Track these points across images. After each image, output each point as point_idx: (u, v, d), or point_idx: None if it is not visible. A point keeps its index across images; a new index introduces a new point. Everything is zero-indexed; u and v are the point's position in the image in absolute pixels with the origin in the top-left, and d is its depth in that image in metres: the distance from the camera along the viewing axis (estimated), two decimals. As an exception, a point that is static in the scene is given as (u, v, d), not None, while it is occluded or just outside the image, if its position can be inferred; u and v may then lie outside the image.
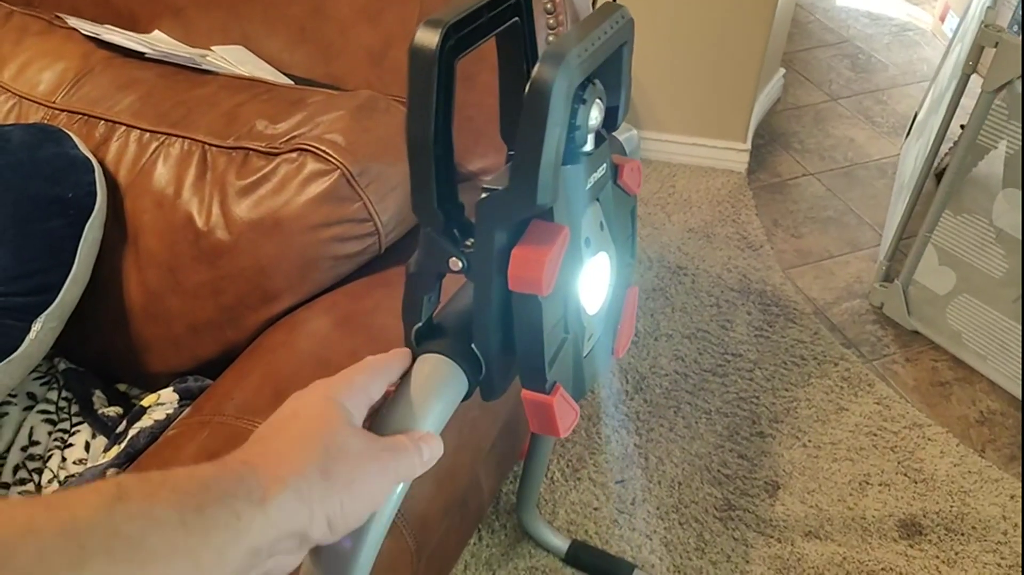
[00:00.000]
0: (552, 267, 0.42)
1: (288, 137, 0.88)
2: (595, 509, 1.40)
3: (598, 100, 0.44)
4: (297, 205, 0.85)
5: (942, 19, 2.92)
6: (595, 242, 0.48)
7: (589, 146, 0.45)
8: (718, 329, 1.74)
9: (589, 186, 0.46)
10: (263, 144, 0.89)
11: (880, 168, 2.23)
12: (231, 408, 0.75)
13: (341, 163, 0.85)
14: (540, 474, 1.29)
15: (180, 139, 0.92)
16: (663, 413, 1.56)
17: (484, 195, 0.42)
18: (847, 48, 2.76)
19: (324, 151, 0.86)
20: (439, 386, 0.47)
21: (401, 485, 0.45)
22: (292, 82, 1.08)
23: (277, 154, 0.87)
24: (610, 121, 0.48)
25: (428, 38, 0.40)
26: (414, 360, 0.48)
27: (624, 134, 0.74)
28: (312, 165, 0.85)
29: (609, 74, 0.46)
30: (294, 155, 0.87)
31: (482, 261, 0.44)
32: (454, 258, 0.44)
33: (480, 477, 1.09)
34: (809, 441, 1.52)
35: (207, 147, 0.91)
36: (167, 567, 0.33)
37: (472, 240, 0.44)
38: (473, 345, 0.47)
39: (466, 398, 0.49)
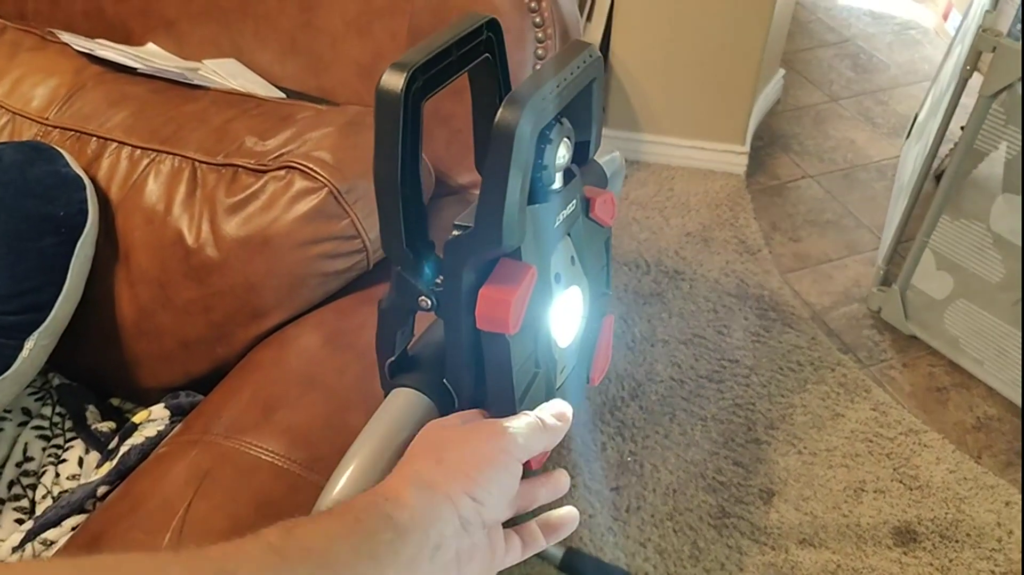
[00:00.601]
0: (519, 307, 0.42)
1: (277, 154, 0.89)
2: (590, 516, 1.40)
3: (566, 139, 0.44)
4: (286, 223, 0.86)
5: (945, 17, 2.91)
6: (565, 277, 0.48)
7: (558, 184, 0.46)
8: (715, 335, 1.74)
9: (559, 223, 0.46)
10: (252, 161, 0.89)
11: (880, 170, 2.23)
12: (220, 427, 0.76)
13: (329, 181, 0.85)
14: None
15: (171, 156, 0.93)
16: (658, 420, 1.57)
17: (452, 235, 0.42)
18: (848, 48, 2.75)
19: (312, 169, 0.86)
20: (410, 420, 0.47)
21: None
22: (283, 95, 1.09)
23: (266, 171, 0.88)
24: (580, 156, 0.48)
25: (393, 81, 0.41)
26: (387, 394, 0.49)
27: (605, 156, 0.74)
28: (300, 183, 0.86)
29: (578, 111, 0.46)
30: (282, 172, 0.87)
31: (451, 300, 0.44)
32: (423, 296, 0.45)
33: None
34: (804, 448, 1.52)
35: (197, 164, 0.92)
36: None
37: (442, 278, 0.44)
38: (445, 379, 0.47)
39: (440, 430, 0.49)
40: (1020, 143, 1.45)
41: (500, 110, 0.39)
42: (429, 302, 0.45)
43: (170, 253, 0.90)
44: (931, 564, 1.33)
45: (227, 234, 0.88)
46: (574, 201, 0.48)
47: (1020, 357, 1.56)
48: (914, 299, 1.72)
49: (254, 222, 0.87)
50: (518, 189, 0.40)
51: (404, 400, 0.48)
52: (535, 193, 0.44)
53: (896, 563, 1.34)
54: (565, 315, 0.49)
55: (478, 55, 0.47)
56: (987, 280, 1.56)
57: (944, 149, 1.87)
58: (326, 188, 0.85)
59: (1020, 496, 1.44)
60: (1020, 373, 1.58)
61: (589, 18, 2.35)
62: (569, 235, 0.48)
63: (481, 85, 0.49)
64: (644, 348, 1.70)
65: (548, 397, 0.49)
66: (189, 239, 0.89)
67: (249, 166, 0.89)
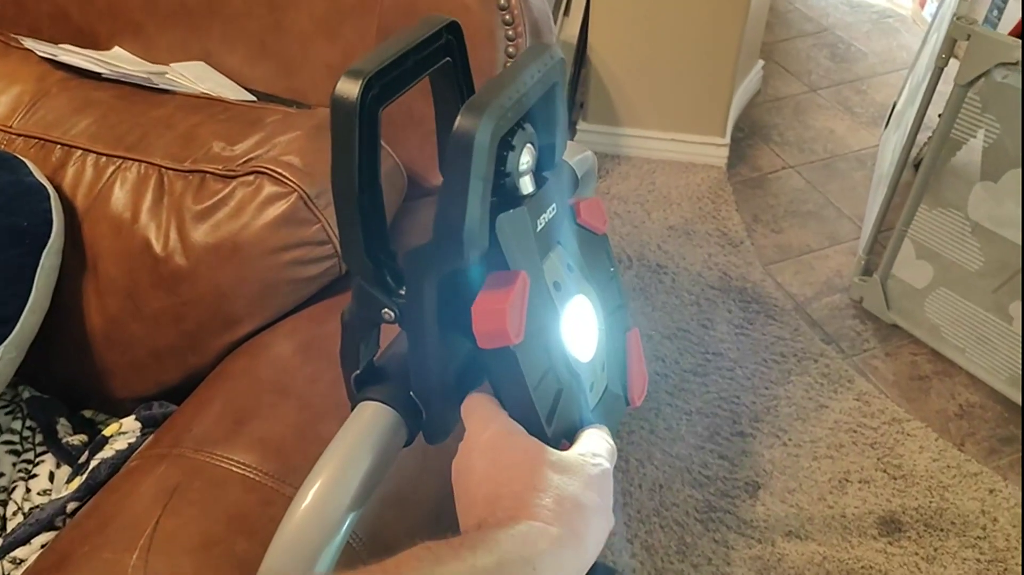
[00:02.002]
0: (516, 313, 0.40)
1: (245, 159, 0.87)
2: (576, 515, 1.40)
3: (529, 144, 0.43)
4: (255, 229, 0.84)
5: (922, 5, 2.91)
6: (566, 285, 0.46)
7: (529, 188, 0.44)
8: (699, 328, 1.74)
9: (540, 227, 0.45)
10: (220, 167, 0.87)
11: (859, 159, 2.23)
12: (190, 440, 0.74)
13: (298, 185, 0.84)
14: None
15: (137, 163, 0.91)
16: (644, 415, 1.56)
17: (410, 250, 0.41)
18: (827, 37, 2.75)
19: (280, 174, 0.84)
20: (377, 434, 0.46)
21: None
22: (253, 98, 1.07)
23: (234, 177, 0.86)
24: (546, 160, 0.47)
25: (348, 89, 0.39)
26: (353, 407, 0.47)
27: (576, 156, 0.74)
28: (269, 188, 0.84)
29: (542, 115, 0.45)
30: (251, 178, 0.85)
31: (413, 311, 0.43)
32: (386, 308, 0.44)
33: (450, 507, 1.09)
34: (789, 439, 1.52)
35: (164, 171, 0.90)
36: None
37: (404, 290, 0.43)
38: (411, 392, 0.46)
39: (408, 444, 0.48)
40: (997, 130, 1.45)
41: (458, 117, 0.38)
42: (392, 314, 0.44)
43: (138, 262, 0.88)
44: (916, 553, 1.34)
45: (196, 242, 0.86)
46: (553, 205, 0.46)
47: (1002, 344, 1.57)
48: (895, 288, 1.72)
49: (223, 229, 0.85)
50: (478, 198, 0.39)
51: (370, 414, 0.47)
52: (505, 199, 0.42)
53: (882, 553, 1.34)
54: (576, 326, 0.47)
55: (438, 59, 0.46)
56: (966, 268, 1.57)
57: (922, 137, 1.87)
58: (295, 193, 0.84)
59: (1004, 483, 1.44)
60: (1003, 360, 1.58)
61: (567, 12, 2.33)
62: (560, 243, 0.47)
63: (442, 89, 0.48)
64: (627, 343, 1.70)
65: (583, 419, 0.47)
66: (157, 247, 0.87)
67: (217, 172, 0.87)
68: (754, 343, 1.71)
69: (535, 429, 0.43)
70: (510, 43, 0.94)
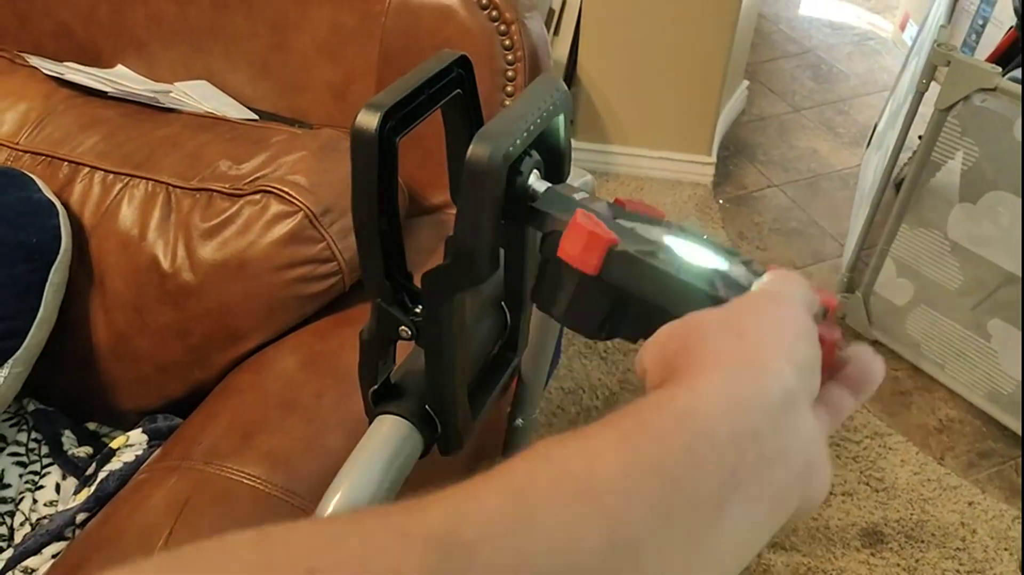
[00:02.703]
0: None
1: (252, 178, 0.90)
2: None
3: (536, 171, 0.46)
4: (262, 247, 0.87)
5: (902, 28, 2.98)
6: None
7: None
8: (686, 343, 1.77)
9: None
10: (227, 185, 0.90)
11: (842, 178, 2.28)
12: (199, 453, 0.76)
13: (304, 204, 0.86)
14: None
15: (144, 181, 0.93)
16: (632, 428, 1.59)
17: (428, 271, 0.44)
18: (809, 58, 2.81)
19: (287, 193, 0.87)
20: (394, 446, 0.49)
21: None
22: (256, 117, 1.10)
23: (241, 196, 0.89)
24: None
25: (368, 121, 0.42)
26: (371, 421, 0.50)
27: (578, 180, 0.77)
28: (276, 207, 0.87)
29: (548, 143, 0.48)
30: (258, 197, 0.88)
31: (430, 329, 0.45)
32: (403, 326, 0.46)
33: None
34: (775, 453, 1.55)
35: (171, 189, 0.92)
36: None
37: (421, 308, 0.46)
38: (427, 406, 0.49)
39: (424, 455, 0.51)
40: (976, 154, 1.49)
41: (471, 146, 0.41)
42: (409, 331, 0.46)
43: (145, 278, 0.90)
44: (898, 564, 1.37)
45: (203, 258, 0.88)
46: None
47: (980, 361, 1.61)
48: (877, 305, 1.77)
49: (230, 246, 0.88)
50: (490, 223, 0.41)
51: (388, 427, 0.49)
52: (517, 214, 0.45)
53: (864, 564, 1.37)
54: None
55: (450, 91, 0.49)
56: (946, 287, 1.61)
57: (903, 158, 1.92)
58: (301, 212, 0.86)
59: (983, 496, 1.48)
60: (981, 376, 1.63)
61: (556, 32, 2.37)
62: None
63: (454, 119, 0.51)
64: (617, 358, 1.73)
65: None
66: (165, 263, 0.89)
67: (224, 190, 0.90)
68: (740, 358, 1.74)
69: None
70: (509, 67, 0.97)
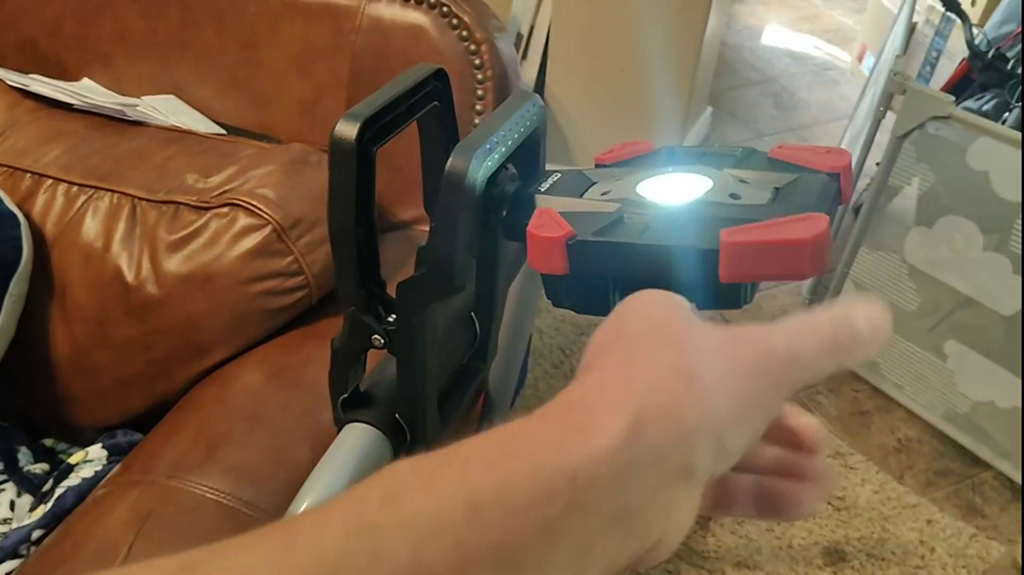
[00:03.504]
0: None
1: (219, 191, 0.89)
2: (532, 546, 1.41)
3: (513, 183, 0.47)
4: (228, 260, 0.86)
5: (860, 59, 3.07)
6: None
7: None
8: (651, 363, 1.79)
9: None
10: (194, 198, 0.89)
11: (803, 203, 2.32)
12: (162, 467, 0.75)
13: (272, 218, 0.86)
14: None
15: (109, 193, 0.92)
16: (598, 448, 1.59)
17: (403, 280, 0.44)
18: (771, 87, 2.87)
19: (255, 206, 0.87)
20: (363, 453, 0.49)
21: None
22: (224, 131, 1.09)
23: (208, 208, 0.88)
24: None
25: (347, 131, 0.43)
26: (340, 429, 0.50)
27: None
28: (243, 220, 0.86)
29: (524, 158, 0.48)
30: (225, 210, 0.87)
31: (403, 338, 0.46)
32: (376, 335, 0.46)
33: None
34: (738, 472, 1.57)
35: (137, 201, 0.91)
36: None
37: (394, 317, 0.46)
38: (397, 414, 0.49)
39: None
40: (932, 179, 1.54)
41: (450, 159, 0.41)
42: (382, 340, 0.46)
43: (109, 290, 0.89)
44: (859, 583, 1.39)
45: (168, 271, 0.87)
46: None
47: (937, 381, 1.65)
48: (838, 327, 1.80)
49: (196, 259, 0.87)
50: (468, 234, 0.42)
51: (357, 435, 0.49)
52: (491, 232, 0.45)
53: (826, 583, 1.39)
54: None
55: (427, 104, 0.49)
56: (904, 309, 1.65)
57: (862, 184, 1.97)
58: (270, 225, 0.86)
59: (941, 515, 1.51)
60: (939, 396, 1.66)
61: (524, 56, 2.40)
62: None
63: (430, 132, 0.51)
64: (582, 378, 1.73)
65: None
66: (129, 276, 0.88)
67: (191, 203, 0.89)
68: (704, 378, 1.76)
69: None
70: (479, 86, 0.98)
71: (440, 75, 0.50)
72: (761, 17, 3.34)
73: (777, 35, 3.21)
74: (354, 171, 0.43)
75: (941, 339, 1.61)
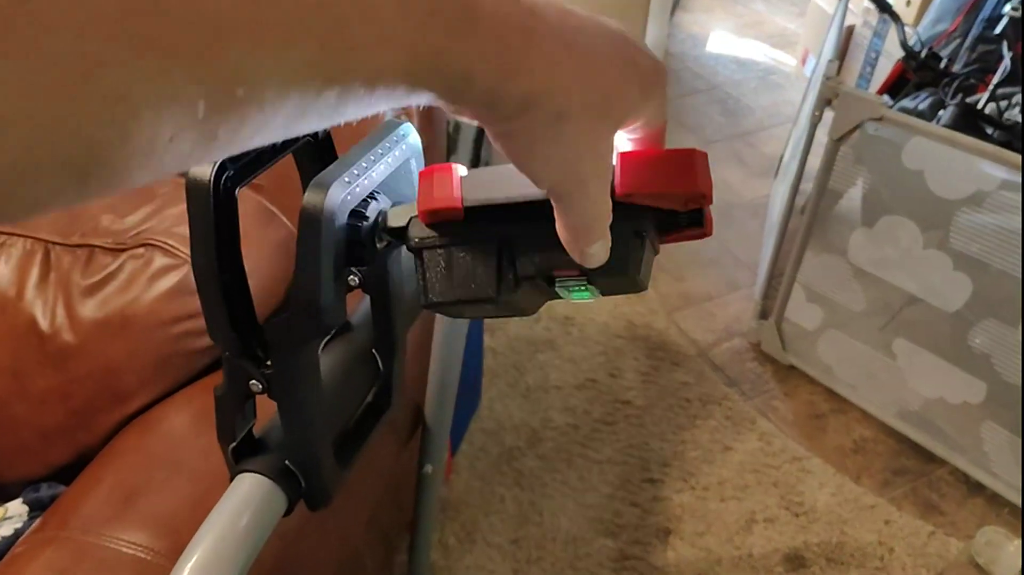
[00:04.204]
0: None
1: (135, 232, 0.87)
2: (491, 571, 1.40)
3: (382, 215, 0.45)
4: (146, 302, 0.84)
5: (803, 62, 3.11)
6: None
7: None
8: (607, 377, 1.78)
9: None
10: (109, 240, 0.87)
11: (753, 208, 2.34)
12: (78, 521, 0.73)
13: (188, 255, 0.84)
14: (428, 541, 1.28)
15: (22, 238, 0.90)
16: (556, 467, 1.58)
17: (270, 320, 0.43)
18: (717, 94, 2.90)
19: (171, 245, 0.85)
20: (254, 506, 0.47)
21: None
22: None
23: (123, 250, 0.86)
24: None
25: (201, 172, 0.41)
26: (232, 480, 0.48)
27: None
28: (160, 260, 0.84)
29: (398, 186, 0.47)
30: (141, 250, 0.85)
31: (281, 382, 0.44)
32: (254, 380, 0.45)
33: (362, 552, 1.08)
34: (697, 483, 1.56)
35: (51, 246, 0.89)
36: None
37: (270, 361, 0.44)
38: (287, 462, 0.47)
39: (288, 513, 0.49)
40: (871, 180, 1.55)
41: (305, 194, 0.40)
42: (260, 386, 0.45)
43: (23, 340, 0.86)
44: (820, 587, 1.38)
45: (84, 317, 0.85)
46: None
47: (889, 380, 1.66)
48: (789, 331, 1.81)
49: (112, 303, 0.85)
50: (331, 271, 0.41)
51: (247, 486, 0.47)
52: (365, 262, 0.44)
53: (788, 590, 1.38)
54: None
55: (299, 137, 0.48)
56: (852, 310, 1.66)
57: (806, 187, 1.99)
58: (187, 264, 0.84)
59: (899, 514, 1.51)
60: (891, 395, 1.67)
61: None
62: None
63: (306, 166, 0.50)
64: (538, 396, 1.72)
65: None
66: (43, 324, 0.86)
67: (106, 245, 0.87)
68: (660, 390, 1.76)
69: None
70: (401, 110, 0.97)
71: (315, 108, 0.49)
72: (704, 25, 3.38)
73: (721, 42, 3.25)
74: (211, 214, 0.41)
75: (890, 338, 1.62)
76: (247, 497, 0.47)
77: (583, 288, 0.41)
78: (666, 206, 0.38)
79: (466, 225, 0.40)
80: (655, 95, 0.35)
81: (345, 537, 0.89)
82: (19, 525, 0.82)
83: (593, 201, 0.33)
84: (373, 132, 0.46)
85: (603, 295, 0.41)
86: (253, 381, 0.45)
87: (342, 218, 0.41)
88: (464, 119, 0.31)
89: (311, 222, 0.39)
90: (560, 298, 0.42)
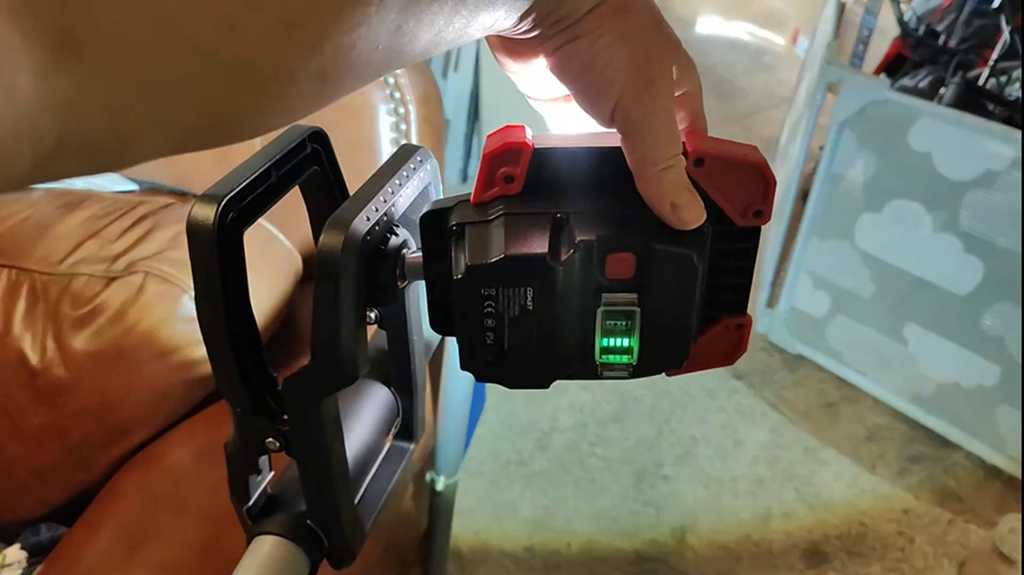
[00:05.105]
0: None
1: (125, 258, 0.83)
2: (506, 581, 1.37)
3: (404, 247, 0.42)
4: (140, 332, 0.80)
5: (794, 41, 3.07)
6: None
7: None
8: (613, 374, 1.75)
9: None
10: (98, 268, 0.83)
11: (752, 194, 2.31)
12: (81, 570, 0.69)
13: (182, 281, 0.80)
14: (444, 555, 1.25)
15: (7, 269, 0.85)
16: (568, 469, 1.55)
17: (289, 376, 0.39)
18: (710, 76, 2.85)
19: (163, 271, 0.81)
20: (275, 571, 0.43)
21: None
22: (136, 187, 1.03)
23: (114, 278, 0.82)
24: None
25: (204, 215, 0.37)
26: (249, 542, 0.44)
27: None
28: (152, 287, 0.80)
29: (418, 214, 0.43)
30: (132, 278, 0.81)
31: (300, 439, 0.40)
32: (270, 438, 0.41)
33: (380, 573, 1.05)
34: (711, 479, 1.53)
35: (37, 276, 0.84)
36: None
37: (287, 416, 0.41)
38: (309, 521, 0.44)
39: (312, 573, 0.45)
40: (876, 163, 1.52)
41: (322, 235, 0.36)
42: (277, 443, 0.41)
43: (13, 377, 0.82)
44: (842, 582, 1.36)
45: (76, 350, 0.81)
46: None
47: (900, 365, 1.63)
48: (797, 319, 1.78)
49: (105, 334, 0.80)
50: (353, 319, 0.37)
51: (267, 550, 0.43)
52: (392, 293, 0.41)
53: (810, 586, 1.35)
54: None
55: (306, 170, 0.44)
56: (860, 296, 1.63)
57: (809, 168, 1.95)
58: (180, 290, 0.80)
59: (916, 502, 1.49)
60: (903, 381, 1.64)
61: (456, 68, 2.35)
62: None
63: (314, 198, 0.46)
64: (545, 397, 1.69)
65: None
66: (34, 359, 0.82)
67: (96, 274, 0.83)
68: (668, 385, 1.73)
69: None
70: (401, 119, 0.93)
71: (317, 136, 0.45)
72: (693, 8, 3.34)
73: (711, 24, 3.21)
74: (216, 260, 0.37)
75: (900, 323, 1.59)
76: (268, 563, 0.43)
77: (626, 322, 0.37)
78: (730, 203, 0.35)
79: (520, 202, 0.36)
80: (682, 51, 0.35)
81: (362, 563, 0.86)
82: (19, 572, 0.78)
83: (663, 112, 0.33)
84: (390, 159, 0.42)
85: (642, 349, 0.38)
86: (269, 439, 0.41)
87: (361, 260, 0.37)
88: (525, 37, 0.33)
89: (330, 267, 0.35)
90: (595, 361, 0.38)
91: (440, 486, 1.03)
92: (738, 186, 0.36)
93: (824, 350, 1.75)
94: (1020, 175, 1.33)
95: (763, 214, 0.36)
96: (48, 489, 0.84)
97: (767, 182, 0.35)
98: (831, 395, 1.71)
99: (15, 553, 0.80)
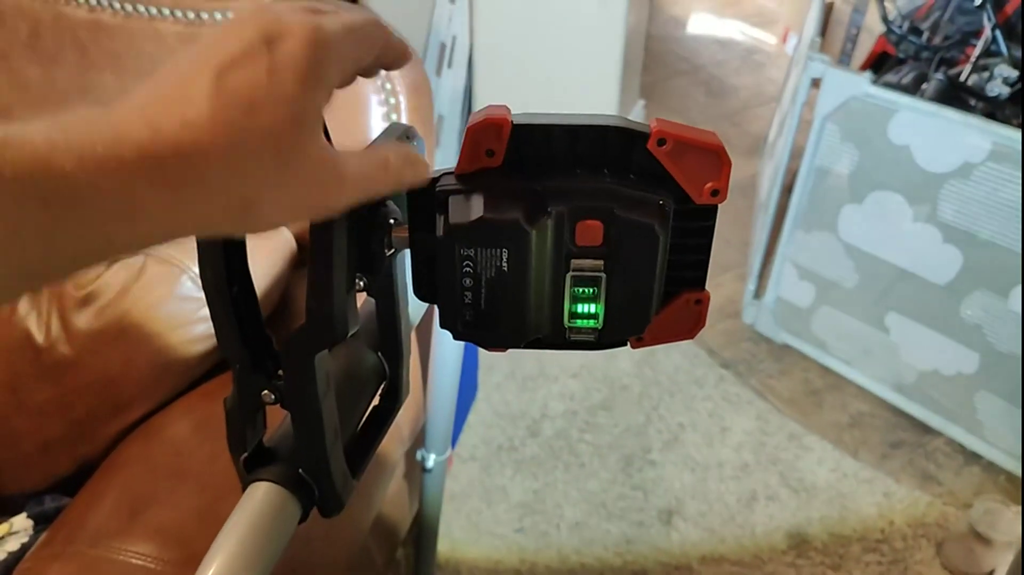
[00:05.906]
0: None
1: (127, 240, 0.86)
2: (497, 562, 1.40)
3: (393, 219, 0.45)
4: (141, 311, 0.83)
5: (784, 40, 3.11)
6: None
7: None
8: (603, 364, 1.78)
9: None
10: (101, 250, 0.86)
11: (741, 189, 2.34)
12: (85, 535, 0.72)
13: (181, 262, 0.84)
14: (435, 535, 1.28)
15: (12, 252, 0.89)
16: (558, 455, 1.58)
17: (288, 335, 0.42)
18: (701, 75, 2.89)
19: (163, 252, 0.84)
20: (268, 515, 0.47)
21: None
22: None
23: (115, 260, 0.85)
24: None
25: (209, 187, 0.41)
26: (244, 489, 0.48)
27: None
28: (153, 268, 0.84)
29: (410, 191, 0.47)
30: (133, 259, 0.84)
31: (293, 393, 0.44)
32: (266, 391, 0.44)
33: (371, 548, 1.08)
34: (697, 464, 1.57)
35: (42, 258, 0.88)
36: None
37: (283, 371, 0.44)
38: (301, 470, 0.47)
39: (303, 520, 0.49)
40: (858, 156, 1.55)
41: None
42: (272, 396, 0.44)
43: (19, 354, 0.86)
44: (823, 562, 1.40)
45: (79, 328, 0.84)
46: None
47: (883, 354, 1.67)
48: (783, 309, 1.81)
49: (107, 313, 0.84)
50: (345, 283, 0.40)
51: (261, 495, 0.47)
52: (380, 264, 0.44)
53: (791, 566, 1.39)
54: None
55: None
56: (844, 286, 1.66)
57: (795, 164, 1.99)
58: (180, 270, 0.83)
59: (897, 486, 1.53)
60: (886, 369, 1.68)
61: (450, 64, 2.39)
62: None
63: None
64: (536, 385, 1.73)
65: None
66: (39, 338, 0.85)
67: (98, 255, 0.86)
68: (657, 374, 1.76)
69: None
70: (392, 109, 0.97)
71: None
72: (685, 7, 3.37)
73: (702, 23, 3.24)
74: (219, 229, 0.41)
75: (882, 313, 1.63)
76: (262, 506, 0.47)
77: (593, 289, 0.41)
78: (690, 182, 0.39)
79: (500, 175, 0.39)
80: None
81: (355, 536, 0.89)
82: (25, 539, 0.81)
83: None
84: (380, 135, 0.45)
85: (607, 315, 0.42)
86: (265, 392, 0.45)
87: (351, 230, 0.40)
88: None
89: (322, 234, 0.39)
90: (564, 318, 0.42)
91: (430, 463, 1.06)
92: (697, 167, 0.40)
93: (809, 339, 1.79)
94: (997, 167, 1.36)
95: (719, 193, 0.40)
96: (52, 461, 0.88)
97: (723, 163, 0.39)
98: (815, 383, 1.75)
99: (21, 521, 0.83)
